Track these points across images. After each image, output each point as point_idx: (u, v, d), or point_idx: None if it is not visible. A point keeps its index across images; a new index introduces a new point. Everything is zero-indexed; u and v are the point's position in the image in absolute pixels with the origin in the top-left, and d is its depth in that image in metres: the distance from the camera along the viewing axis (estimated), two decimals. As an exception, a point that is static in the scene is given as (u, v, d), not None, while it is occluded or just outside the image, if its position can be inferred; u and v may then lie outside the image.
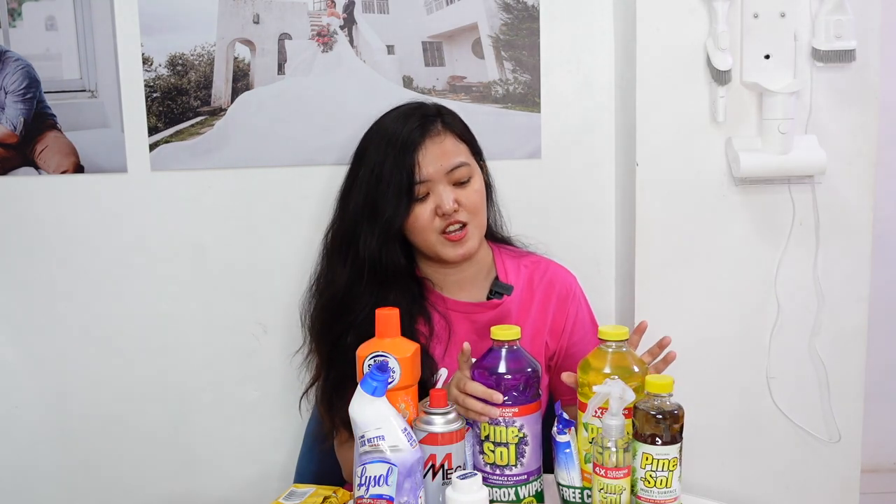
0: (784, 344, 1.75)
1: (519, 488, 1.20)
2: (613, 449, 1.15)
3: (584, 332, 1.53)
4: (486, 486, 1.17)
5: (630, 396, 1.16)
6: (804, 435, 1.77)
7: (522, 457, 1.19)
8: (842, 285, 1.74)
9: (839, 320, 1.75)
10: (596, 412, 1.19)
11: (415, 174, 1.39)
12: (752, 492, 1.79)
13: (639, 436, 1.16)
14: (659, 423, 1.15)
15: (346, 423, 1.41)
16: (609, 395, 1.16)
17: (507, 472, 1.19)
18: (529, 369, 1.20)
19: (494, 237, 1.58)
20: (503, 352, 1.21)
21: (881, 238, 1.82)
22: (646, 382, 1.17)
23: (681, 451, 1.17)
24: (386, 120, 1.47)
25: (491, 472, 1.20)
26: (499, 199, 1.59)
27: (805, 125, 1.67)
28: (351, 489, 1.18)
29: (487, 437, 1.19)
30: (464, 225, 1.42)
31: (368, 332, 1.33)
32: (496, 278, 1.51)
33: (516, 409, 1.18)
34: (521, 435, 1.19)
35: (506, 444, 1.19)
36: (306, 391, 1.54)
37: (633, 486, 1.17)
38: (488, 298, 1.49)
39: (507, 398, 1.18)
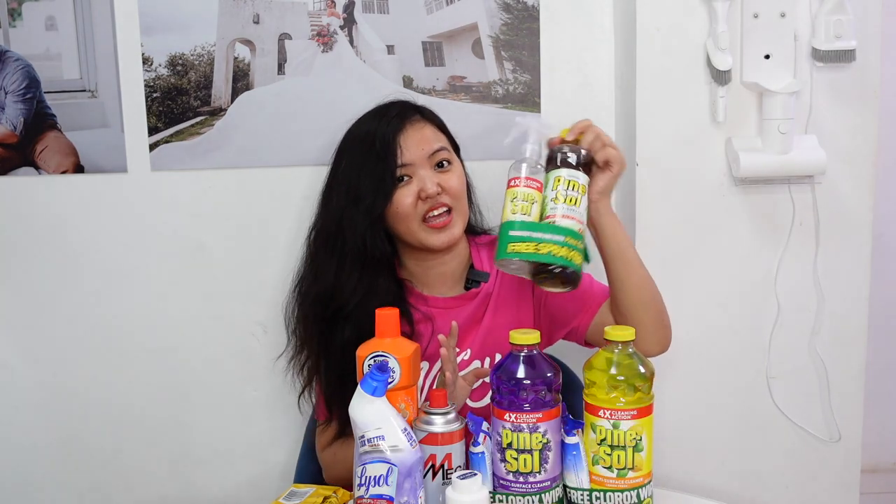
0: (784, 344, 1.75)
1: (543, 495, 1.17)
2: (526, 164, 1.27)
3: None
4: (508, 495, 1.17)
5: (546, 131, 1.28)
6: (804, 435, 1.77)
7: (546, 463, 1.16)
8: (842, 285, 1.74)
9: (839, 320, 1.75)
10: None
11: (397, 157, 1.41)
12: (752, 492, 1.79)
13: (551, 166, 1.28)
14: (571, 151, 1.29)
15: (344, 420, 1.42)
16: (528, 127, 1.28)
17: (531, 479, 1.16)
18: (550, 373, 1.16)
19: (474, 231, 1.59)
20: (522, 357, 1.17)
21: (881, 238, 1.82)
22: (562, 132, 1.31)
23: (588, 183, 1.28)
24: (364, 118, 1.49)
25: (514, 479, 1.16)
26: (478, 200, 1.60)
27: (805, 125, 1.67)
28: (348, 488, 1.18)
29: (510, 445, 1.16)
30: (448, 210, 1.43)
31: (362, 323, 1.36)
32: (471, 267, 1.52)
33: (539, 415, 1.15)
34: (544, 441, 1.15)
35: (529, 451, 1.15)
36: (303, 391, 1.55)
37: (542, 211, 1.26)
38: (466, 289, 1.51)
39: (527, 404, 1.16)
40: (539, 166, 1.29)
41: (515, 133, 1.29)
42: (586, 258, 1.29)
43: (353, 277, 1.43)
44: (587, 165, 1.31)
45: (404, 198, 1.41)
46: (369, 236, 1.43)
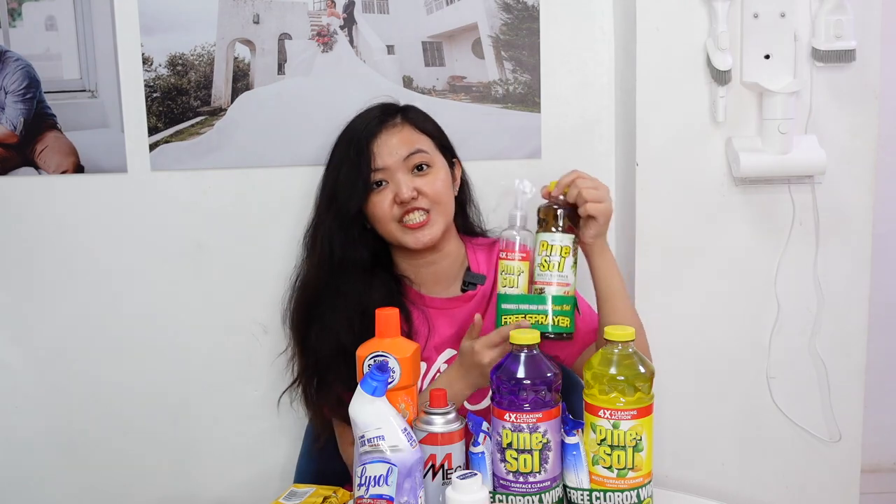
0: (784, 344, 1.75)
1: (543, 495, 1.17)
2: (515, 234, 1.32)
3: None
4: (508, 495, 1.17)
5: (528, 194, 1.34)
6: (804, 435, 1.77)
7: (546, 463, 1.16)
8: (842, 285, 1.74)
9: (839, 320, 1.75)
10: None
11: (370, 163, 1.42)
12: (752, 492, 1.79)
13: (540, 228, 1.34)
14: (556, 214, 1.33)
15: (331, 419, 1.46)
16: (515, 192, 1.34)
17: (531, 479, 1.16)
18: (550, 374, 1.16)
19: (473, 233, 1.60)
20: (522, 356, 1.17)
21: (881, 238, 1.82)
22: (550, 185, 1.36)
23: (575, 242, 1.34)
24: (353, 119, 1.51)
25: (514, 479, 1.16)
26: (477, 199, 1.61)
27: (805, 125, 1.67)
28: (351, 489, 1.18)
29: (510, 445, 1.16)
30: (426, 212, 1.44)
31: (333, 325, 1.41)
32: (468, 269, 1.53)
33: (539, 415, 1.15)
34: (544, 441, 1.15)
35: (529, 451, 1.15)
36: (287, 389, 1.56)
37: (532, 276, 1.33)
38: (463, 291, 1.52)
39: (527, 404, 1.16)
40: (525, 231, 1.34)
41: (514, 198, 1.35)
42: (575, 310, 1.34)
43: (323, 279, 1.46)
44: (575, 219, 1.37)
45: (381, 202, 1.43)
46: (338, 240, 1.45)
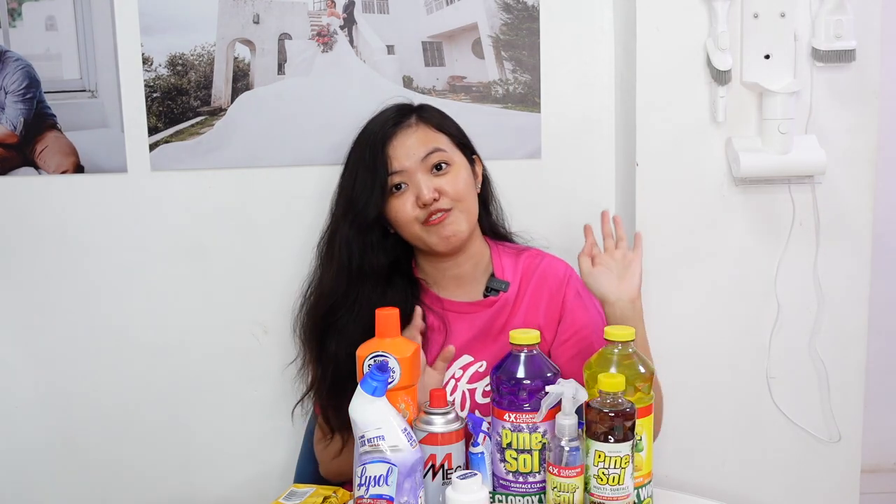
0: (784, 344, 1.75)
1: (542, 495, 1.17)
2: (567, 448, 1.13)
3: (585, 317, 1.47)
4: (508, 495, 1.17)
5: (582, 396, 1.14)
6: (804, 435, 1.77)
7: (545, 463, 1.16)
8: (842, 285, 1.74)
9: (839, 320, 1.75)
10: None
11: (387, 167, 1.39)
12: (752, 492, 1.79)
13: (591, 434, 1.13)
14: (612, 421, 1.12)
15: (342, 429, 1.42)
16: (562, 395, 1.14)
17: (531, 479, 1.17)
18: (550, 374, 1.17)
19: (496, 234, 1.57)
20: (522, 357, 1.18)
21: (881, 238, 1.82)
22: (598, 381, 1.14)
23: (633, 448, 1.14)
24: (368, 122, 1.48)
25: (513, 479, 1.17)
26: (500, 197, 1.59)
27: (805, 125, 1.67)
28: (351, 489, 1.18)
29: (510, 445, 1.17)
30: (449, 210, 1.40)
31: (350, 335, 1.35)
32: (492, 275, 1.49)
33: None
34: (544, 441, 1.16)
35: (529, 451, 1.16)
36: (301, 399, 1.55)
37: (586, 485, 1.14)
38: (485, 296, 1.48)
39: (527, 404, 1.16)
40: (576, 442, 1.16)
41: (547, 402, 1.17)
42: None
43: (340, 288, 1.43)
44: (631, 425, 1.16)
45: (402, 206, 1.40)
46: (356, 247, 1.41)
